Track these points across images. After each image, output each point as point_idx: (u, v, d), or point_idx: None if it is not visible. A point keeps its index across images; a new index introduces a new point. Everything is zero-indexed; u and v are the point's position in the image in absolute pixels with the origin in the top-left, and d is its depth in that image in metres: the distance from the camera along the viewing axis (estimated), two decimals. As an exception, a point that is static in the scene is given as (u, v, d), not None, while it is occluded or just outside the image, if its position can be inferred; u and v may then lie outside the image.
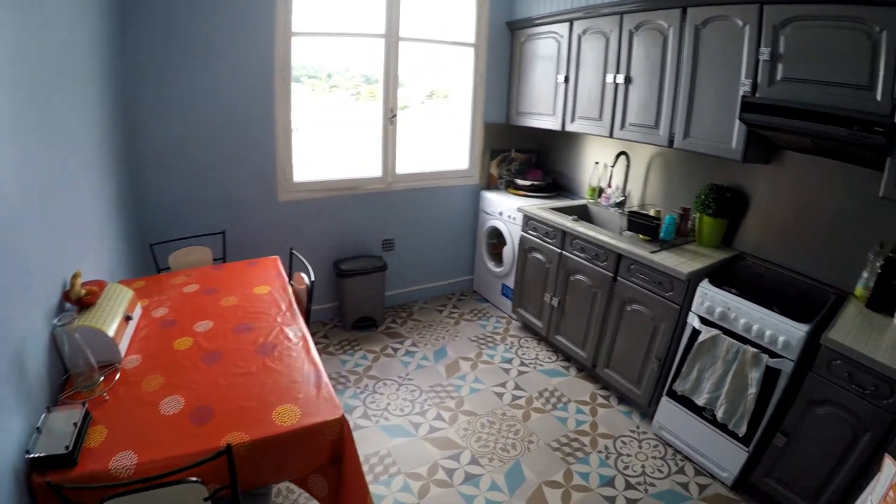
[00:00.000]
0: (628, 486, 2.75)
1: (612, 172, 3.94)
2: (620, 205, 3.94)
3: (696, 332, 2.79)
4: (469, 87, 4.34)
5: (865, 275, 2.73)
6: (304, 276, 2.65)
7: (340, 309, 4.02)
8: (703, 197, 3.23)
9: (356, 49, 3.80)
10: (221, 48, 3.21)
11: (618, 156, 3.83)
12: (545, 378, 3.60)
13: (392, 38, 3.77)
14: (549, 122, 4.07)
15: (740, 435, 2.64)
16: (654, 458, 2.97)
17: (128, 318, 2.06)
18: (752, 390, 2.54)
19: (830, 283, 2.91)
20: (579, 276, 3.50)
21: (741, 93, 2.75)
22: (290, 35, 3.41)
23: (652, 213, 3.47)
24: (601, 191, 4.14)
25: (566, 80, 3.83)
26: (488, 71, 4.31)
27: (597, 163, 4.19)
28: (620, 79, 3.40)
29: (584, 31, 3.63)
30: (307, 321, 2.43)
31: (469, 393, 3.36)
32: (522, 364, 3.74)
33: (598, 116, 3.64)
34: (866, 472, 2.19)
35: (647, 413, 3.25)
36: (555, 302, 3.71)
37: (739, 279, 2.93)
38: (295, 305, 2.48)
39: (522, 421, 3.14)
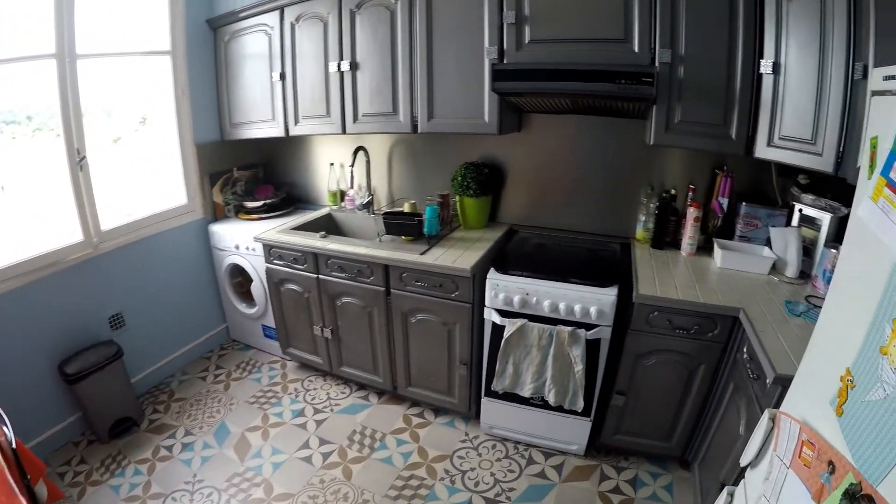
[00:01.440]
0: (488, 502, 2.55)
1: (352, 172, 3.52)
2: (368, 206, 3.63)
3: (498, 327, 2.62)
4: (171, 104, 3.55)
5: (643, 218, 2.95)
6: (4, 428, 1.88)
7: (87, 419, 3.05)
8: (459, 179, 3.08)
9: (50, 77, 2.80)
10: None
11: (356, 152, 3.45)
12: (348, 418, 3.19)
13: (66, 57, 2.82)
14: (271, 130, 3.53)
15: (578, 411, 2.60)
16: (499, 459, 2.82)
17: None
18: (579, 367, 2.49)
19: (611, 234, 3.08)
20: (347, 299, 3.10)
21: (487, 61, 2.64)
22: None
23: (406, 208, 3.22)
24: (343, 194, 3.77)
25: (282, 77, 3.33)
26: (191, 82, 3.57)
27: (332, 164, 3.81)
28: (346, 66, 3.04)
29: (298, 18, 3.16)
30: (27, 492, 1.72)
31: (273, 471, 2.79)
32: (317, 411, 3.26)
33: (325, 113, 3.24)
34: (711, 397, 2.46)
35: (471, 416, 3.08)
36: (327, 333, 3.26)
37: (522, 256, 2.86)
38: (6, 472, 1.71)
39: (346, 480, 2.71)
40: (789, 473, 1.34)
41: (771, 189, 2.81)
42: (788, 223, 2.69)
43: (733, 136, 2.38)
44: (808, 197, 2.58)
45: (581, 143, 3.04)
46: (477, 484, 2.66)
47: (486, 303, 2.66)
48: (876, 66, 1.90)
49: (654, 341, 2.42)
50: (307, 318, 3.33)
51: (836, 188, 2.55)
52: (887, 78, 1.25)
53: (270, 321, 3.67)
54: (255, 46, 3.44)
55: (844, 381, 1.21)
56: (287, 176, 4.18)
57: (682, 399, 2.51)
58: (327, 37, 3.09)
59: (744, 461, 1.64)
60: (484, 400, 2.87)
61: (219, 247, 3.82)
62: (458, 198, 3.14)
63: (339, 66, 3.07)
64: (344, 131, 3.22)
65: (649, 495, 2.61)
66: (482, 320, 2.72)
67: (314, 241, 3.09)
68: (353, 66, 3.04)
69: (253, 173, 4.14)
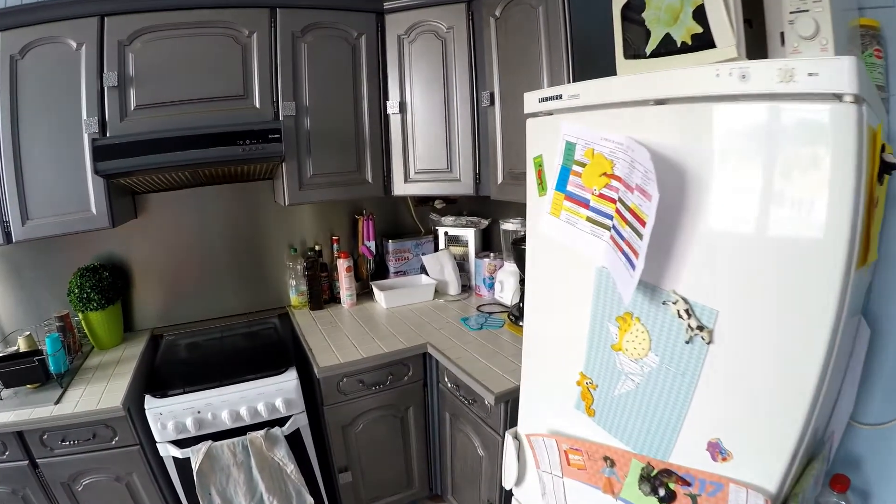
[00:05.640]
0: None
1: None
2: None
3: (182, 461, 2.15)
4: None
5: (293, 282, 2.94)
6: None
7: None
8: (77, 291, 2.44)
9: None
10: None
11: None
12: None
13: None
14: None
15: (313, 504, 2.33)
16: None
17: None
18: (290, 467, 2.19)
19: (264, 308, 2.88)
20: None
21: (87, 137, 2.12)
22: None
23: (23, 344, 2.41)
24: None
25: None
26: None
27: None
28: None
29: None
30: None
31: None
32: None
33: None
34: (431, 432, 2.51)
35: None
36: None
37: (177, 366, 2.41)
38: None
39: None
40: (566, 481, 1.40)
41: (412, 221, 3.03)
42: (437, 248, 2.95)
43: (370, 180, 2.50)
44: (449, 219, 2.89)
45: (209, 218, 2.74)
46: None
47: (157, 438, 2.15)
48: (501, 93, 2.16)
49: (354, 407, 2.29)
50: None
51: (470, 205, 2.97)
52: (543, 100, 1.30)
53: None
54: None
55: (583, 384, 1.28)
56: None
57: (405, 445, 2.48)
58: None
59: (508, 485, 1.66)
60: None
61: None
62: (80, 315, 2.51)
63: None
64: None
65: (424, 543, 2.56)
66: (160, 459, 2.20)
67: None
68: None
69: None
